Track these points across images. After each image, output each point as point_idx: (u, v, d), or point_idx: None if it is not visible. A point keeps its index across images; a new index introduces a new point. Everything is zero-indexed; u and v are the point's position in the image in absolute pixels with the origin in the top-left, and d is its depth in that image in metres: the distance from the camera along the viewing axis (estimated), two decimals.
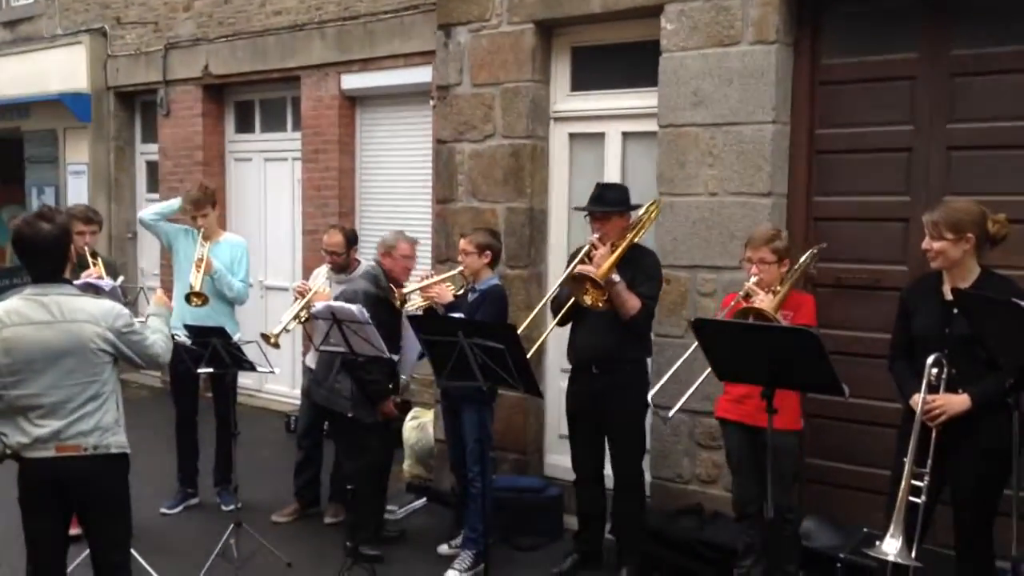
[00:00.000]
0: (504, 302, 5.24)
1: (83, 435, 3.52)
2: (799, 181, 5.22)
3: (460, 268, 5.20)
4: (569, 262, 5.01)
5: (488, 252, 5.16)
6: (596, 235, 4.79)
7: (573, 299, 4.76)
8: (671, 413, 4.15)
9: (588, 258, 4.75)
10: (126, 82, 10.06)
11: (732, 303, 4.36)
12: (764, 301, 4.16)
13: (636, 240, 4.85)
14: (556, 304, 4.97)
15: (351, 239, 6.02)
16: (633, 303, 4.68)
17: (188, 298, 5.69)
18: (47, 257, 3.54)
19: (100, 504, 3.64)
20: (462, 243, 5.21)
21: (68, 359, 3.49)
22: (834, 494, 5.14)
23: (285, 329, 5.67)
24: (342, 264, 5.92)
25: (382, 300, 5.18)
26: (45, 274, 3.55)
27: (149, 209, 6.23)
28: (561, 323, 4.98)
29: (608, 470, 5.11)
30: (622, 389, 4.80)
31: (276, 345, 5.59)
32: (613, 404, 4.82)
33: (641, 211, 4.98)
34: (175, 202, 6.13)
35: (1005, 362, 3.45)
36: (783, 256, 4.40)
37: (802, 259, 4.52)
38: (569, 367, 5.21)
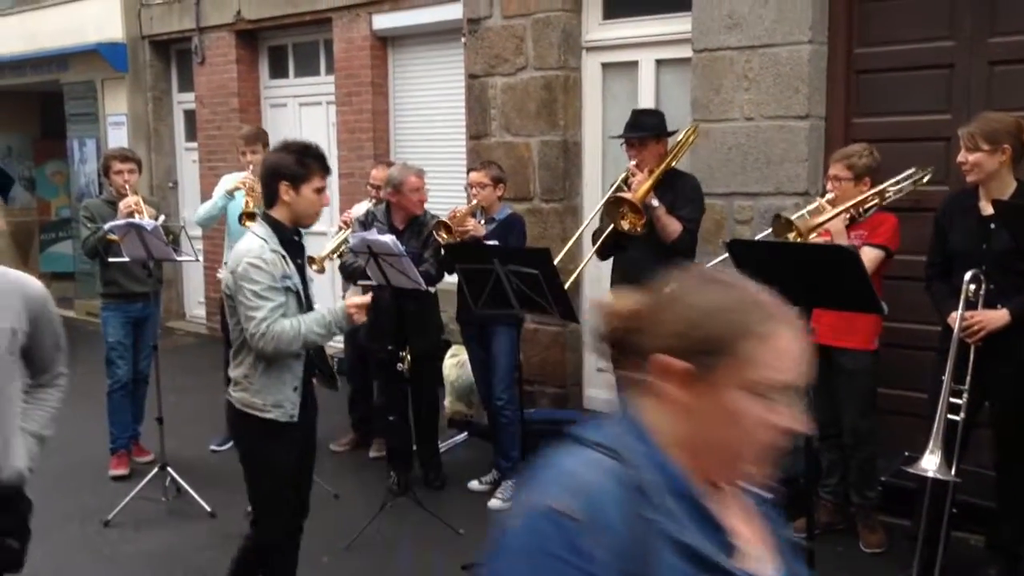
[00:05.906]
0: (525, 229, 5.33)
1: None
2: (837, 102, 5.12)
3: (476, 201, 5.22)
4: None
5: (501, 184, 5.27)
6: (633, 162, 4.77)
7: (611, 227, 4.74)
8: None
9: (626, 185, 4.74)
10: (160, 30, 10.09)
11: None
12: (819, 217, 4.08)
13: (674, 164, 4.81)
14: (596, 234, 4.96)
15: None
16: (674, 227, 4.65)
17: (240, 220, 5.75)
18: None
19: None
20: (476, 176, 5.23)
21: None
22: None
23: (330, 256, 5.83)
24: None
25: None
26: None
27: (199, 213, 6.27)
28: (602, 255, 4.96)
29: None
30: None
31: (321, 270, 5.78)
32: None
33: (679, 136, 4.92)
34: (218, 199, 6.10)
35: None
36: (862, 174, 4.26)
37: (893, 180, 4.31)
38: None
